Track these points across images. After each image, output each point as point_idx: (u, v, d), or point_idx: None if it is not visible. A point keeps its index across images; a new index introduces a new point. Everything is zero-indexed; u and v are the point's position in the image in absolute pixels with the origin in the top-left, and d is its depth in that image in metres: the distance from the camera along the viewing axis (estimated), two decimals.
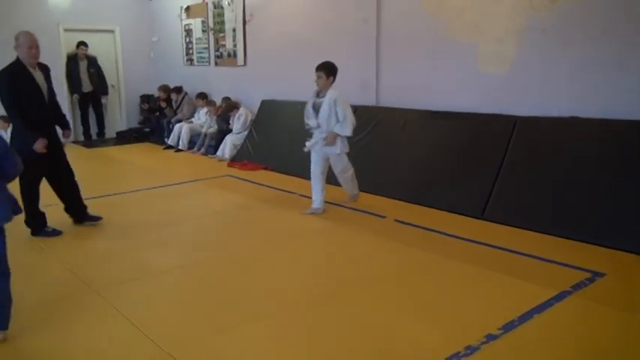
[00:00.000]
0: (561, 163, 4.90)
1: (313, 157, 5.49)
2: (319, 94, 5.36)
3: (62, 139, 5.06)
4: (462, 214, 5.25)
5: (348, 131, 5.28)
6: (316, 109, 5.37)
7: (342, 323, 3.20)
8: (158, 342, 2.97)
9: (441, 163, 5.76)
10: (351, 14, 6.95)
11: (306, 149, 5.47)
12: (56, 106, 4.98)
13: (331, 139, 5.28)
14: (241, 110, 8.55)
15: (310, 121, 5.44)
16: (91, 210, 5.23)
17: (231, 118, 8.69)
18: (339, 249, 4.54)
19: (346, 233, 4.89)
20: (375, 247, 4.54)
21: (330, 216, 5.37)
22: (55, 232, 4.86)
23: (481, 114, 5.64)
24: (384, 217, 5.30)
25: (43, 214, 4.86)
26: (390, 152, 6.30)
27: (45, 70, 4.82)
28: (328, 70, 5.25)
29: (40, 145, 4.50)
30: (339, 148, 5.36)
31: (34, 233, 4.80)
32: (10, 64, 4.58)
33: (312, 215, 5.37)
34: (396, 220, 5.17)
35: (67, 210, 5.11)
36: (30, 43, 4.51)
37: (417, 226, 4.97)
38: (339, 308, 3.40)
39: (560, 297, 3.45)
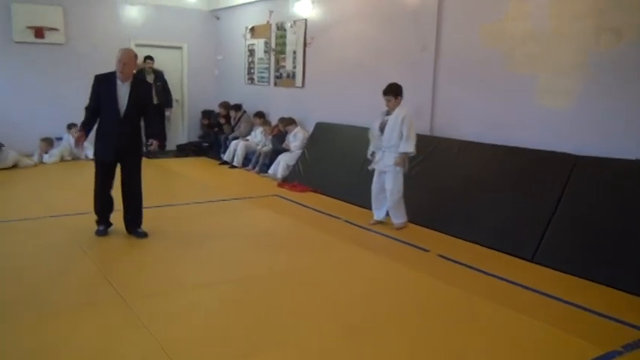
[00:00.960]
0: (623, 209, 4.56)
1: (375, 176, 5.83)
2: (388, 112, 5.64)
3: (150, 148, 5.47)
4: (511, 255, 4.98)
5: (411, 148, 5.52)
6: (382, 128, 5.66)
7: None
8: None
9: (493, 198, 5.51)
10: (410, 41, 6.86)
11: (370, 167, 5.82)
12: (146, 118, 5.30)
13: (400, 161, 5.57)
14: (298, 128, 8.59)
15: (374, 140, 5.73)
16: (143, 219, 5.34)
17: (287, 136, 8.72)
18: (378, 281, 4.38)
19: (386, 264, 4.73)
20: (415, 282, 4.35)
21: (372, 244, 5.24)
22: (100, 232, 5.19)
23: (539, 150, 5.37)
24: (427, 250, 5.11)
25: (103, 215, 5.21)
26: (440, 183, 6.10)
27: (138, 85, 5.14)
28: (395, 91, 5.58)
29: (75, 135, 4.84)
30: (392, 166, 5.57)
31: None
32: (108, 72, 5.08)
33: (354, 242, 5.26)
34: (440, 255, 4.97)
35: (123, 217, 5.31)
36: (119, 58, 4.97)
37: (461, 264, 4.75)
38: (369, 343, 3.26)
39: (608, 357, 3.17)
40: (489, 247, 5.18)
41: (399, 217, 5.74)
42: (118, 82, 4.98)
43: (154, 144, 5.34)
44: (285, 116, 8.98)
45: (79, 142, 5.89)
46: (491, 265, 4.68)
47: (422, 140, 6.53)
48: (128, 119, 5.04)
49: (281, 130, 8.97)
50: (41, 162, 9.04)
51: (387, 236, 5.51)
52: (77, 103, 10.10)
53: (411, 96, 6.77)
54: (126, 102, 4.99)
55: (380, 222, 5.90)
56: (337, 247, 5.17)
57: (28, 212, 5.93)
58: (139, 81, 5.26)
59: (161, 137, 5.26)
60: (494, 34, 5.85)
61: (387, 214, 5.88)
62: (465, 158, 6.03)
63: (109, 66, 10.69)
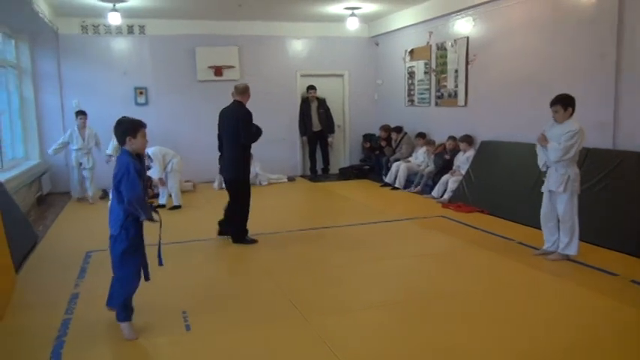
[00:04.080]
0: None
1: (544, 197, 5.25)
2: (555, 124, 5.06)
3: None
4: None
5: (553, 155, 4.90)
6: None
7: None
8: None
9: None
10: (585, 49, 6.37)
11: (543, 189, 5.25)
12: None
13: (542, 139, 5.02)
14: (471, 151, 8.34)
15: (540, 153, 5.18)
16: (310, 239, 5.70)
17: (457, 155, 8.52)
18: (560, 310, 4.06)
19: (568, 291, 4.37)
20: (603, 312, 3.95)
21: (550, 268, 4.88)
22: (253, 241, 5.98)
23: None
24: (615, 274, 4.63)
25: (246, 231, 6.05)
26: (628, 201, 5.52)
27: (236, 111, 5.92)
28: (564, 102, 4.95)
29: None
30: (561, 186, 4.94)
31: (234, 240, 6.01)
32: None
33: (528, 264, 4.95)
34: (633, 281, 4.47)
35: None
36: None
37: None
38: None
39: None
40: None
41: (568, 247, 5.04)
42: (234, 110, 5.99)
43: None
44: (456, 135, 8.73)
45: None
46: None
47: (603, 155, 6.02)
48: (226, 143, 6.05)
49: (450, 147, 8.74)
50: (221, 189, 9.92)
51: (568, 259, 5.09)
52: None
53: (588, 108, 6.29)
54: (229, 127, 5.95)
55: (547, 252, 5.23)
56: (511, 270, 4.90)
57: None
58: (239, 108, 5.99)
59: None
60: None
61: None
62: None
63: (278, 97, 11.51)
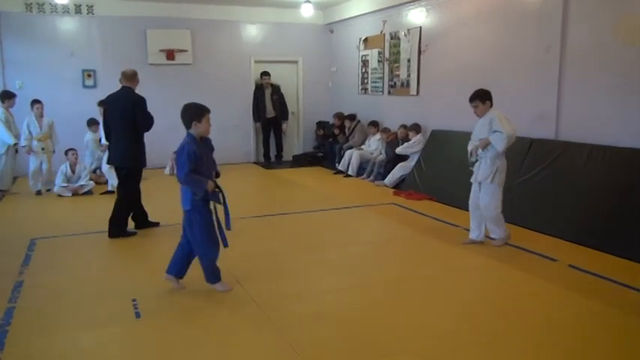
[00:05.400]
0: None
1: (472, 188, 5.33)
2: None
3: None
4: None
5: (501, 145, 4.94)
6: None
7: None
8: None
9: (628, 207, 5.12)
10: (531, 43, 6.59)
11: (472, 180, 5.30)
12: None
13: (482, 144, 5.06)
14: (419, 136, 8.49)
15: (468, 152, 5.25)
16: (258, 226, 5.67)
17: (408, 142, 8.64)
18: (501, 290, 4.25)
19: (509, 274, 4.56)
20: (542, 293, 4.15)
21: (493, 253, 5.07)
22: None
23: None
24: (555, 260, 4.86)
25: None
26: (567, 190, 5.77)
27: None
28: (481, 96, 5.09)
29: None
30: (489, 177, 5.06)
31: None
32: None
33: (474, 251, 5.13)
34: (571, 266, 4.71)
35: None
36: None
37: (596, 275, 4.47)
38: (494, 353, 3.17)
39: None
40: (625, 258, 4.82)
41: (496, 232, 5.23)
42: None
43: None
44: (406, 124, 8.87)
45: None
46: (629, 277, 4.36)
47: (545, 145, 6.26)
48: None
49: (402, 136, 8.86)
50: (172, 174, 9.76)
51: (511, 245, 5.30)
52: None
53: (533, 99, 6.54)
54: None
55: (475, 242, 5.31)
56: (456, 255, 5.07)
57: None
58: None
59: None
60: (629, 32, 5.45)
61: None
62: (593, 164, 5.65)
63: (232, 83, 11.40)
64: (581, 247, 5.23)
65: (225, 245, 4.01)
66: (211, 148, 4.10)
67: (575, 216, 5.54)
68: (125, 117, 5.57)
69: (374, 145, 9.56)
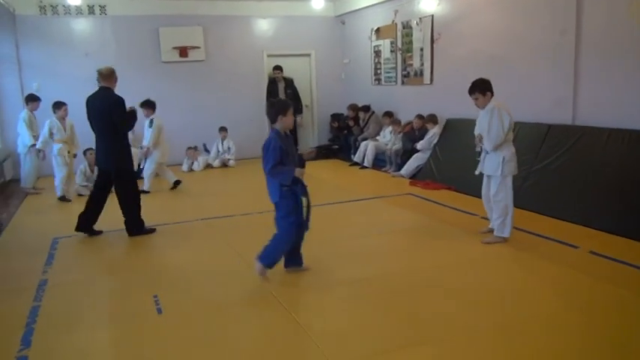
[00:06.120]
0: None
1: (483, 179, 5.17)
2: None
3: None
4: None
5: (488, 145, 4.84)
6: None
7: None
8: (326, 352, 3.07)
9: None
10: (546, 27, 6.50)
11: (477, 172, 5.17)
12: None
13: (478, 139, 4.97)
14: (436, 128, 8.44)
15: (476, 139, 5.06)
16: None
17: (426, 134, 8.58)
18: (521, 279, 4.23)
19: (530, 261, 4.54)
20: (564, 280, 4.12)
21: (512, 241, 5.02)
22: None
23: None
24: (576, 247, 4.82)
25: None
26: (586, 175, 5.71)
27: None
28: (481, 88, 4.94)
29: None
30: (498, 170, 4.84)
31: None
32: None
33: (493, 239, 5.09)
34: (592, 252, 4.66)
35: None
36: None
37: (617, 260, 4.42)
38: (515, 344, 3.16)
39: None
40: None
41: (500, 230, 4.96)
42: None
43: None
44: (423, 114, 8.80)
45: None
46: None
47: (563, 131, 6.19)
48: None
49: (417, 126, 8.80)
50: (190, 170, 9.85)
51: (530, 232, 5.26)
52: (217, 112, 10.92)
53: (549, 84, 6.46)
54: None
55: (492, 230, 5.11)
56: (476, 244, 5.03)
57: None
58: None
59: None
60: None
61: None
62: (613, 148, 5.58)
63: (245, 77, 11.39)
64: (601, 232, 5.17)
65: (307, 229, 4.24)
66: (293, 142, 4.41)
67: (595, 201, 5.47)
68: (104, 118, 5.44)
69: (389, 136, 9.53)
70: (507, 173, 4.87)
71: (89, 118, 5.64)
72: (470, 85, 5.00)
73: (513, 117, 4.92)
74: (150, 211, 6.07)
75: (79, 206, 7.19)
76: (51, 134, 7.63)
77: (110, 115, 5.41)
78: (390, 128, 9.51)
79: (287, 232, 4.15)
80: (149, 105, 8.09)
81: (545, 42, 6.53)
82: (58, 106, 7.65)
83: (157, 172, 8.24)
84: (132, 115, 5.67)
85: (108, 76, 5.56)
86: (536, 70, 6.69)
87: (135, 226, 5.68)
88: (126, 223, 5.67)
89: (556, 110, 6.38)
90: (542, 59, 6.59)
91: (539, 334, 3.24)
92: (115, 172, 5.59)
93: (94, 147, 7.89)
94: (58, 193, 7.63)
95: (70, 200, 7.60)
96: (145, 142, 8.10)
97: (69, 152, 7.76)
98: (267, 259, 4.19)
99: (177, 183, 8.15)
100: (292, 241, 4.22)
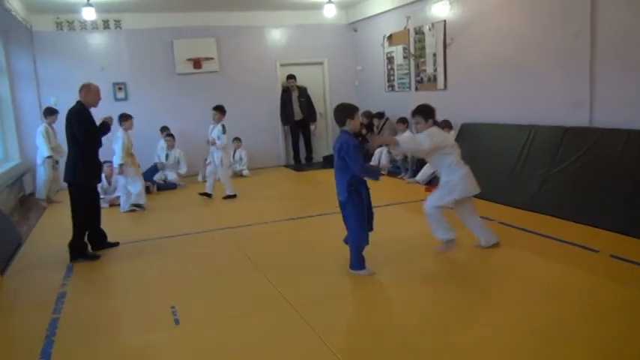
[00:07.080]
0: None
1: None
2: None
3: None
4: None
5: (401, 145, 4.72)
6: None
7: None
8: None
9: None
10: (559, 28, 6.44)
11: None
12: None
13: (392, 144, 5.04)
14: (452, 134, 8.39)
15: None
16: (299, 227, 5.69)
17: None
18: (542, 284, 4.15)
19: (548, 267, 4.48)
20: (586, 284, 4.06)
21: (529, 246, 4.97)
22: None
23: None
24: (596, 251, 4.74)
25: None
26: (605, 178, 5.62)
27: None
28: (424, 113, 4.76)
29: None
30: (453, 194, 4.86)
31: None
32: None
33: (509, 245, 5.03)
34: (613, 256, 4.58)
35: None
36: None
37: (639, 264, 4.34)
38: (542, 347, 3.12)
39: None
40: None
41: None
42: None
43: None
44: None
45: None
46: None
47: (580, 133, 6.12)
48: None
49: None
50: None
51: (549, 237, 5.19)
52: (231, 122, 10.98)
53: (564, 87, 6.40)
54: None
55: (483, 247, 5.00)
56: (493, 251, 4.98)
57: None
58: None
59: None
60: None
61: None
62: (632, 150, 5.49)
63: (258, 87, 11.41)
64: (621, 236, 5.07)
65: (371, 229, 4.41)
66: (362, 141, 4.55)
67: (614, 204, 5.39)
68: (67, 130, 5.40)
69: None
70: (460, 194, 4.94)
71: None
72: (415, 108, 4.84)
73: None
74: (176, 222, 6.08)
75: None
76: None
77: (71, 126, 5.38)
78: (405, 133, 9.46)
79: (359, 229, 4.34)
80: (220, 110, 8.12)
81: (560, 44, 6.47)
82: (124, 119, 7.70)
83: (206, 175, 8.54)
84: (104, 127, 5.56)
85: (80, 89, 5.52)
86: (551, 72, 6.63)
87: (75, 249, 5.44)
88: (69, 245, 5.46)
89: (573, 112, 6.31)
90: (556, 61, 6.53)
91: (560, 341, 3.19)
92: (68, 185, 5.51)
93: (111, 160, 8.02)
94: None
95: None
96: (219, 142, 8.03)
97: None
98: (359, 263, 4.43)
99: (206, 195, 8.23)
100: (366, 234, 4.38)
